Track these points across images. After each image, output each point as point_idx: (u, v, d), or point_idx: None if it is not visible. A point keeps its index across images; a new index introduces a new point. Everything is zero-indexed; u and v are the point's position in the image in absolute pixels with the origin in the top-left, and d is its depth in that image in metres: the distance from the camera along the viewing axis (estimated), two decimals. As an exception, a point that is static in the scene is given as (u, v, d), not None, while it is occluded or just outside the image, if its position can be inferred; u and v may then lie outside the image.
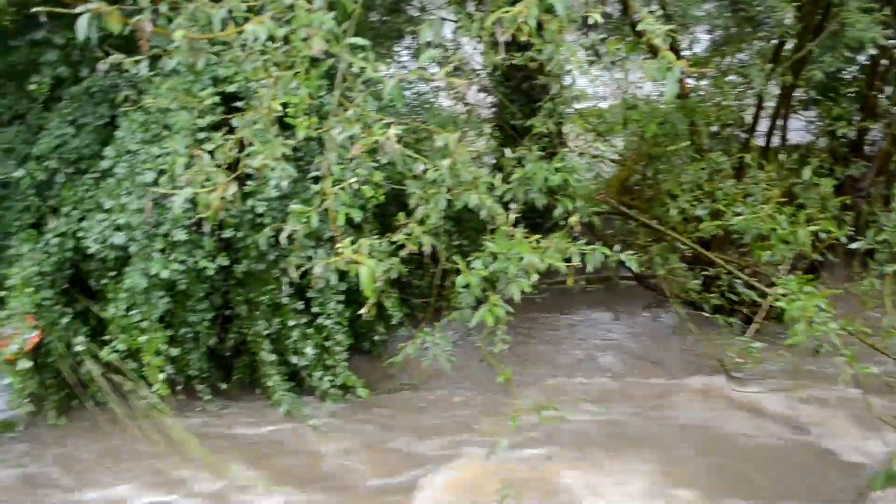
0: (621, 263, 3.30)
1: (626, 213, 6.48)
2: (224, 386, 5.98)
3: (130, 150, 4.93)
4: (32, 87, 5.45)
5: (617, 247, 3.22)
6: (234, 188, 2.77)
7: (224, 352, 6.06)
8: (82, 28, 2.16)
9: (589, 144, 8.08)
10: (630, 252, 3.34)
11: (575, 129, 8.45)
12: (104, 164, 5.06)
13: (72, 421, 5.69)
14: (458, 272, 3.31)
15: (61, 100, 5.51)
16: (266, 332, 5.47)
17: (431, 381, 6.31)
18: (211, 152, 3.04)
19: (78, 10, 2.19)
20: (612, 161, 8.11)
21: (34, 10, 2.57)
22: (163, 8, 2.37)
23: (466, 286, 3.31)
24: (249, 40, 2.23)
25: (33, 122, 5.68)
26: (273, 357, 5.49)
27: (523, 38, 2.31)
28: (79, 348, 5.36)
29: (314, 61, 2.51)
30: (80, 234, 5.03)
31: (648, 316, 7.63)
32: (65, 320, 5.39)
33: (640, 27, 2.62)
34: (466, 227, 6.23)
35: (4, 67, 5.74)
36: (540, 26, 2.42)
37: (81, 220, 5.11)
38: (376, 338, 6.19)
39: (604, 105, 8.49)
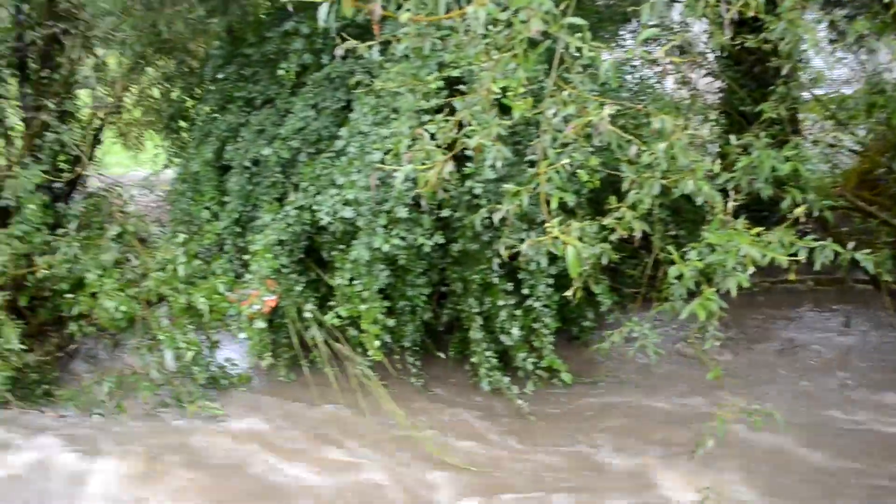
0: (856, 264, 3.04)
1: (865, 210, 5.89)
2: (437, 359, 6.37)
3: (362, 132, 5.37)
4: (281, 73, 6.11)
5: (851, 244, 2.97)
6: (450, 166, 2.95)
7: (438, 327, 6.43)
8: (322, 15, 2.42)
9: (826, 133, 7.39)
10: (866, 252, 3.06)
11: (811, 117, 7.79)
12: (339, 144, 5.56)
13: (298, 379, 6.37)
14: (672, 262, 3.25)
15: (305, 85, 6.13)
16: (477, 310, 5.71)
17: (633, 375, 6.25)
18: (432, 134, 3.26)
19: (319, -1, 2.46)
20: (853, 151, 7.37)
21: (284, 1, 2.91)
22: (393, -7, 2.58)
23: (679, 277, 3.25)
24: (471, 23, 2.35)
25: (281, 105, 6.38)
26: (482, 335, 5.71)
27: (750, 14, 2.21)
28: (307, 314, 5.98)
29: (532, 43, 2.59)
30: (315, 207, 5.57)
31: (886, 323, 6.86)
32: (298, 287, 6.04)
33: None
34: (685, 218, 6.04)
35: (259, 56, 6.51)
36: (772, 2, 2.30)
37: (317, 195, 5.66)
38: (585, 324, 6.21)
39: (846, 90, 7.72)
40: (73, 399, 6.15)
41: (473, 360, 5.85)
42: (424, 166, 2.99)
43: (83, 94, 7.76)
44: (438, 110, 4.36)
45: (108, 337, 7.09)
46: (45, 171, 6.53)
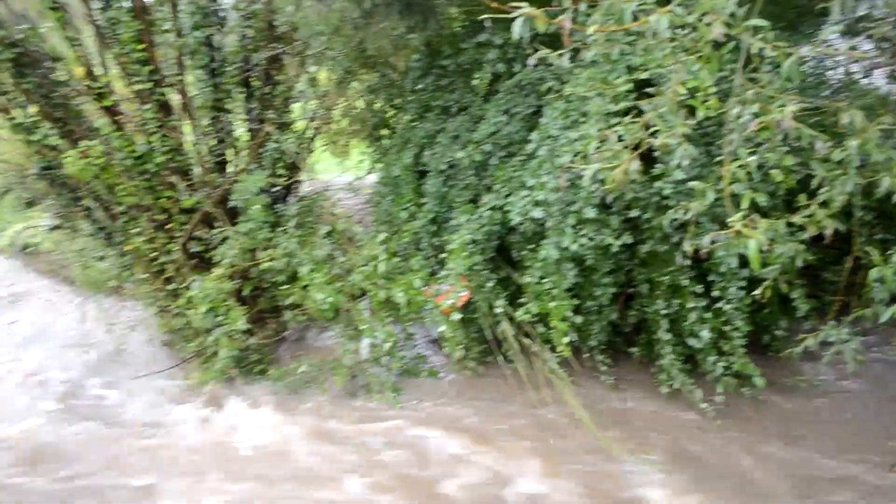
0: None
1: None
2: (622, 359, 6.49)
3: (551, 135, 5.65)
4: (475, 82, 6.54)
5: None
6: (636, 164, 3.14)
7: (625, 328, 6.54)
8: (517, 29, 2.73)
9: None
10: None
11: None
12: (529, 147, 5.88)
13: (488, 373, 6.76)
14: (873, 265, 3.23)
15: (497, 93, 6.53)
16: (664, 311, 5.77)
17: (826, 385, 6.02)
18: (620, 135, 3.46)
19: (513, 14, 2.77)
20: None
21: (482, 17, 3.25)
22: (582, 7, 2.84)
23: (880, 280, 3.21)
24: (656, 29, 2.55)
25: (475, 112, 6.83)
26: (669, 336, 5.76)
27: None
28: (498, 310, 6.35)
29: (717, 45, 2.72)
30: (506, 208, 5.92)
31: None
32: (490, 284, 6.42)
33: None
34: (893, 221, 5.68)
35: (454, 67, 7.00)
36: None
37: (508, 196, 6.02)
38: (777, 332, 6.04)
39: None
40: (281, 378, 7.00)
41: (660, 361, 5.92)
42: (611, 165, 3.20)
43: (298, 107, 8.69)
44: (626, 112, 4.54)
45: (318, 325, 7.92)
46: (266, 177, 7.44)
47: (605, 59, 4.00)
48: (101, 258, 9.19)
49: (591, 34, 2.89)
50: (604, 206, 5.48)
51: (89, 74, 7.54)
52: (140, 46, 7.19)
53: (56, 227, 11.82)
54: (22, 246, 14.26)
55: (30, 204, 16.93)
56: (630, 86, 4.93)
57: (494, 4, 2.76)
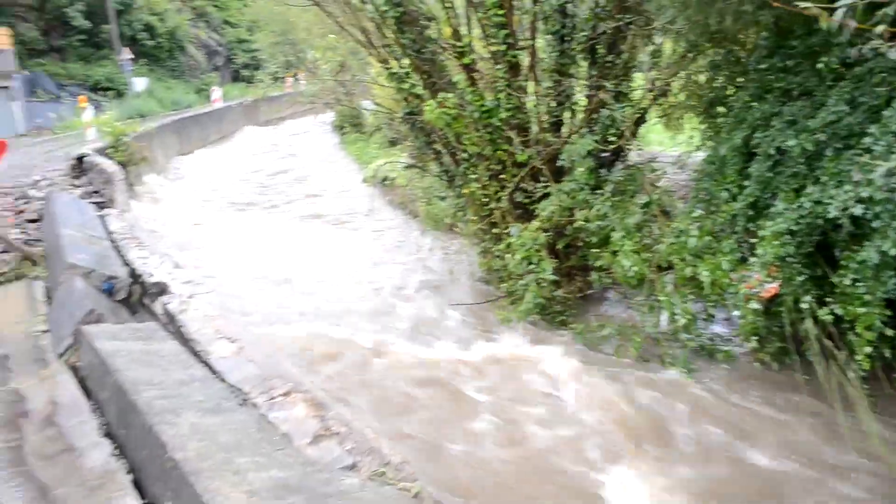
0: None
1: None
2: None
3: (894, 131, 5.40)
4: (821, 66, 6.37)
5: None
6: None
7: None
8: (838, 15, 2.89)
9: None
10: None
11: None
12: (866, 140, 5.66)
13: (781, 371, 6.71)
14: None
15: (843, 79, 6.29)
16: None
17: None
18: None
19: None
20: None
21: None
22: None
23: None
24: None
25: (817, 98, 6.64)
26: None
27: None
28: (803, 306, 6.26)
29: None
30: (826, 201, 5.81)
31: None
32: (800, 278, 6.34)
33: None
34: None
35: (803, 48, 6.84)
36: None
37: (835, 189, 5.87)
38: None
39: None
40: (581, 334, 7.65)
41: None
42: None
43: (637, 77, 9.11)
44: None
45: (619, 290, 8.44)
46: (596, 142, 8.03)
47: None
48: (443, 198, 10.64)
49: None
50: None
51: (455, 34, 8.76)
52: (500, 11, 8.15)
53: (410, 166, 13.76)
54: (381, 178, 16.71)
55: (392, 143, 19.66)
56: None
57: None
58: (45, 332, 6.40)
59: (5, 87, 31.30)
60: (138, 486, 3.85)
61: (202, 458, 3.67)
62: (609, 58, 8.42)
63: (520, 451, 6.02)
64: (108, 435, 4.48)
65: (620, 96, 8.44)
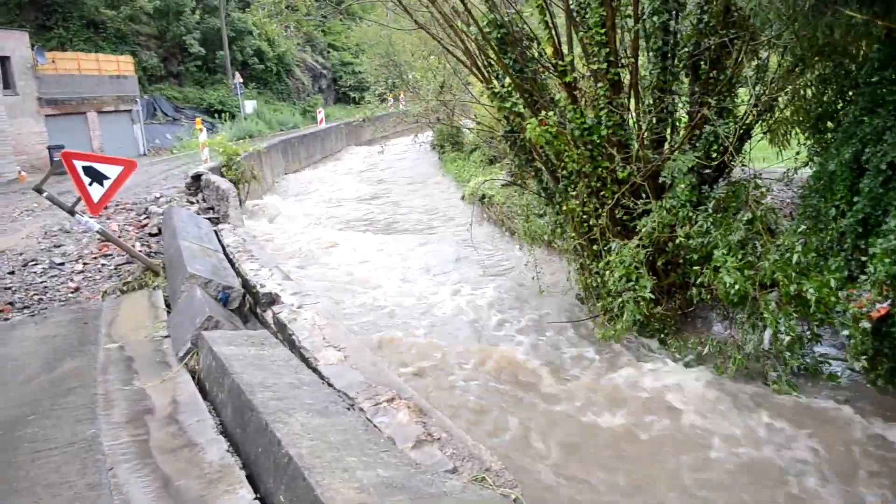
0: None
1: None
2: None
3: None
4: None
5: None
6: None
7: None
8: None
9: None
10: None
11: None
12: None
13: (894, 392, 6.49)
14: None
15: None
16: None
17: None
18: None
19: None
20: None
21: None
22: None
23: None
24: None
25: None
26: None
27: None
28: (917, 327, 6.05)
29: None
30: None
31: None
32: (913, 298, 6.12)
33: None
34: None
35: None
36: None
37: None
38: None
39: None
40: (679, 350, 7.60)
41: None
42: None
43: (741, 93, 8.99)
44: None
45: (720, 309, 8.31)
46: (698, 158, 7.98)
47: None
48: (541, 215, 10.75)
49: None
50: None
51: (556, 53, 8.92)
52: (602, 30, 8.25)
53: (508, 184, 13.93)
54: (480, 196, 16.95)
55: (491, 162, 19.92)
56: None
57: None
58: (165, 337, 6.87)
59: (128, 111, 33.49)
60: (251, 480, 4.12)
61: (314, 455, 3.91)
62: (712, 74, 8.36)
63: (616, 465, 6.04)
64: (224, 433, 4.80)
65: (724, 112, 8.37)
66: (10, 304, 8.56)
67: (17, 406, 5.47)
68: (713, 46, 8.21)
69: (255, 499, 3.89)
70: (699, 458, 6.05)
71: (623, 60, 8.64)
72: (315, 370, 5.85)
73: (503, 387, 7.39)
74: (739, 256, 7.35)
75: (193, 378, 5.85)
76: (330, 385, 5.47)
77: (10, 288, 9.19)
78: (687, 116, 8.73)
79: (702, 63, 8.50)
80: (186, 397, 5.48)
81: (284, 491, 3.83)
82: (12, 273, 9.91)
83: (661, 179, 8.14)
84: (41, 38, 31.72)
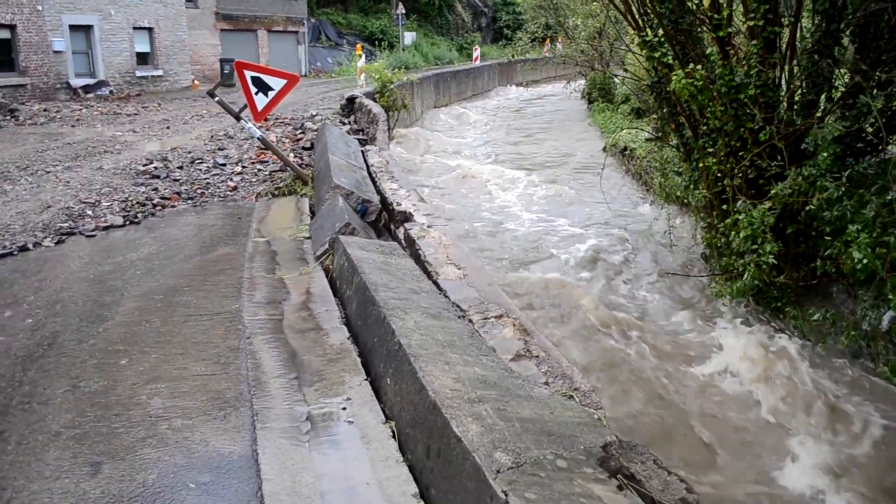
0: None
1: None
2: None
3: None
4: None
5: None
6: None
7: None
8: None
9: None
10: None
11: None
12: None
13: None
14: None
15: None
16: None
17: None
18: None
19: None
20: None
21: None
22: None
23: None
24: None
25: None
26: None
27: None
28: None
29: None
30: None
31: None
32: None
33: None
34: None
35: None
36: None
37: None
38: None
39: None
40: (795, 320, 7.52)
41: None
42: None
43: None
44: None
45: (845, 283, 8.09)
46: (847, 128, 7.71)
47: None
48: (678, 172, 10.68)
49: None
50: None
51: (713, 6, 8.73)
52: (763, -15, 8.02)
53: (651, 139, 13.79)
54: (622, 148, 16.83)
55: (638, 115, 19.59)
56: None
57: None
58: (307, 238, 7.55)
59: (295, 32, 34.98)
60: (365, 367, 4.64)
61: (421, 347, 4.38)
62: (880, 42, 7.96)
63: (704, 409, 6.21)
64: (347, 324, 5.37)
65: (886, 85, 7.97)
66: (177, 193, 9.57)
67: (177, 278, 6.29)
68: (887, 12, 7.79)
69: (366, 379, 4.40)
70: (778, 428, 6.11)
71: (783, 20, 8.36)
72: (435, 283, 6.32)
73: (606, 330, 7.63)
74: (875, 234, 7.13)
75: (327, 275, 6.46)
76: (446, 296, 5.92)
77: (178, 180, 10.24)
78: (843, 85, 8.39)
79: (871, 30, 8.09)
80: (319, 290, 6.11)
81: (392, 374, 4.33)
82: (181, 168, 11.00)
83: (803, 146, 7.93)
84: (224, -45, 33.46)
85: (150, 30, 26.21)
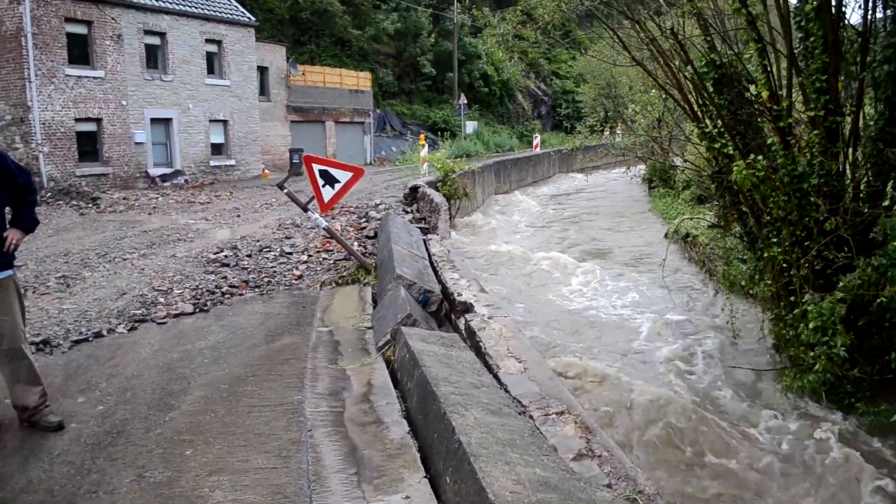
0: None
1: None
2: None
3: None
4: None
5: None
6: None
7: None
8: None
9: None
10: None
11: None
12: None
13: None
14: None
15: None
16: None
17: None
18: None
19: None
20: None
21: None
22: None
23: None
24: None
25: None
26: None
27: None
28: None
29: None
30: None
31: None
32: None
33: None
34: None
35: None
36: None
37: None
38: None
39: None
40: (867, 414, 7.17)
41: None
42: None
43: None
44: None
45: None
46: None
47: None
48: (742, 260, 10.50)
49: None
50: None
51: (772, 97, 8.74)
52: (822, 76, 8.00)
53: (713, 226, 13.63)
54: (684, 234, 16.66)
55: (700, 201, 19.44)
56: None
57: None
58: (369, 328, 7.61)
59: (361, 123, 36.22)
60: (424, 462, 4.59)
61: (481, 445, 4.32)
62: None
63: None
64: (407, 418, 5.34)
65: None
66: (245, 282, 9.82)
67: (242, 367, 6.40)
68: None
69: (425, 477, 4.35)
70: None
71: (845, 109, 8.30)
72: (495, 376, 6.27)
73: (672, 422, 7.40)
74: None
75: (388, 366, 6.48)
76: (506, 391, 5.86)
77: (246, 268, 10.52)
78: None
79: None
80: (380, 382, 6.12)
81: (451, 473, 4.26)
82: (249, 256, 11.32)
83: (871, 235, 7.74)
84: (295, 52, 35.25)
85: (224, 122, 27.50)
